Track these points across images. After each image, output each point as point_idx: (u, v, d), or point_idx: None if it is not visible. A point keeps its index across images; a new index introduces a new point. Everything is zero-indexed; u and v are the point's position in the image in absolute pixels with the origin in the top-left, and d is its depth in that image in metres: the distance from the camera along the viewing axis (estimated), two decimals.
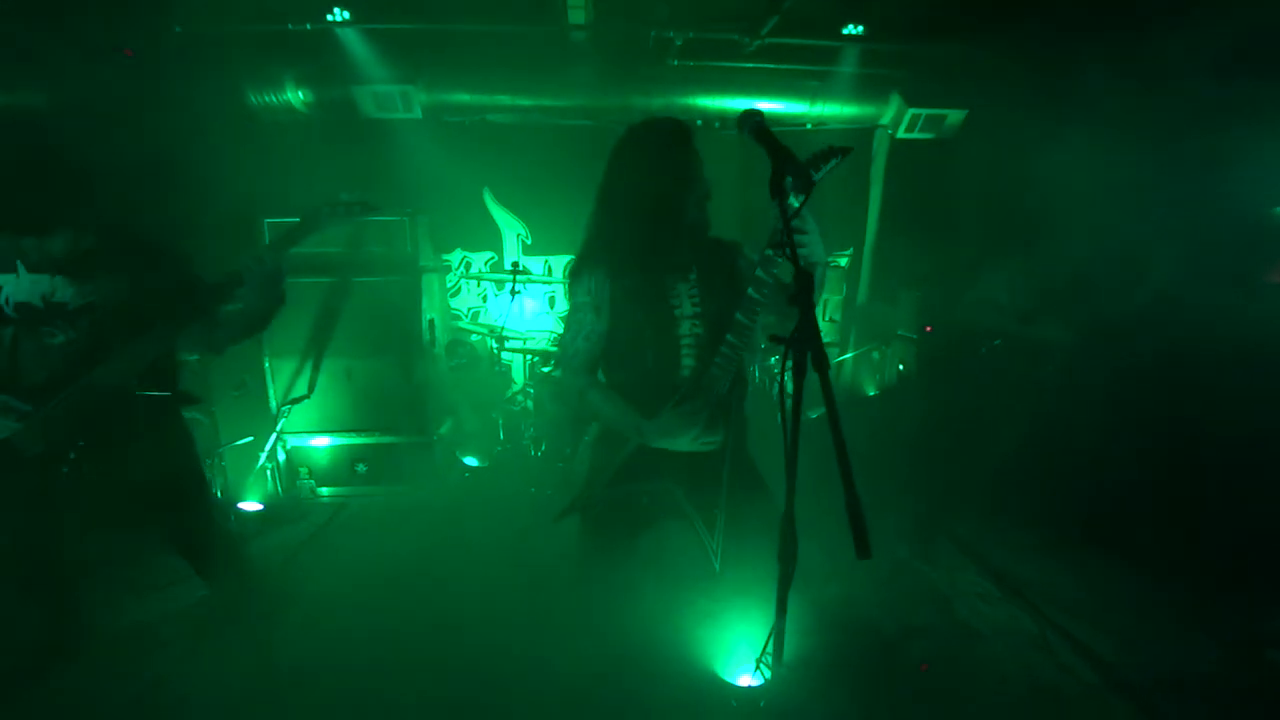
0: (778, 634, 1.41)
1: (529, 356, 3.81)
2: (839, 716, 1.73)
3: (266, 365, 3.45)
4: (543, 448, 3.41)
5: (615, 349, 1.68)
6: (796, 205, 1.37)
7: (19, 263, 1.71)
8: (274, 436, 3.38)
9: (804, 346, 1.17)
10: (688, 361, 1.63)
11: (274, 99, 3.85)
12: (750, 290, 1.48)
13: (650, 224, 1.60)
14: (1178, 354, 2.74)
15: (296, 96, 3.86)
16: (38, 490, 1.76)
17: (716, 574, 1.57)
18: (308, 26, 3.52)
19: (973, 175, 4.00)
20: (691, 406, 1.58)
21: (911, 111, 4.07)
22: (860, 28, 3.72)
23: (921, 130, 4.15)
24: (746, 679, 1.51)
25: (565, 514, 1.71)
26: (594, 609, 1.72)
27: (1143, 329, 2.93)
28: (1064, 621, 2.36)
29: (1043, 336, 3.24)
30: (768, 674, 1.47)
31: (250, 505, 3.30)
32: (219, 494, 3.19)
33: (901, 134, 4.16)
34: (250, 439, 3.34)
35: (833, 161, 1.42)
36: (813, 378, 1.16)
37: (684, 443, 1.60)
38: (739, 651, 1.53)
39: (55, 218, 1.75)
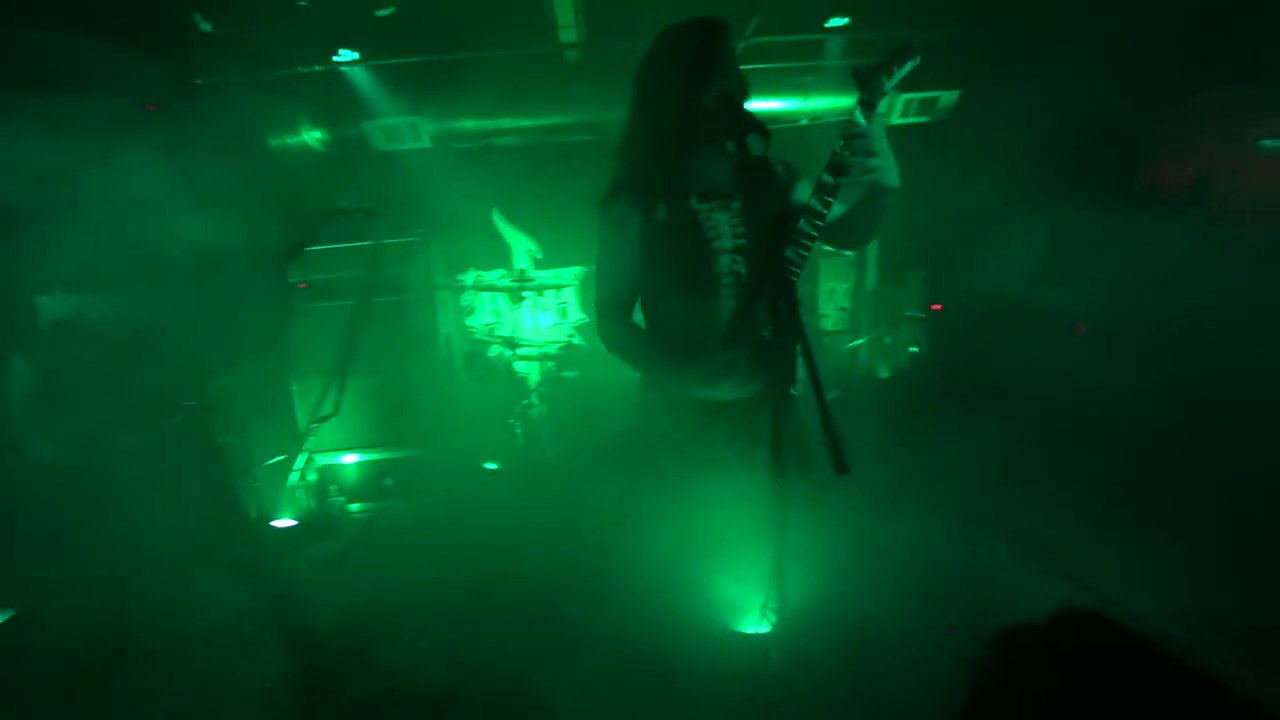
0: (779, 581, 1.44)
1: (545, 363, 3.90)
2: (848, 669, 1.71)
3: (294, 387, 3.59)
4: (561, 448, 3.48)
5: (649, 288, 1.53)
6: (860, 124, 1.26)
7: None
8: (303, 455, 3.50)
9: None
10: (728, 302, 1.46)
11: (291, 140, 4.09)
12: (802, 222, 1.31)
13: (688, 139, 1.43)
14: (1195, 315, 2.71)
15: (312, 136, 4.09)
16: None
17: (757, 532, 1.43)
18: (317, 69, 3.75)
19: (970, 153, 4.01)
20: (732, 353, 1.42)
21: (904, 97, 4.12)
22: (845, 19, 3.80)
23: (916, 114, 4.19)
24: (755, 628, 1.52)
25: (603, 456, 1.64)
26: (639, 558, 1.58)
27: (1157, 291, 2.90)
28: (1097, 584, 2.30)
29: (1051, 301, 3.22)
30: (772, 621, 1.48)
31: (284, 523, 3.42)
32: (254, 513, 3.32)
33: (896, 120, 4.21)
34: (282, 458, 3.47)
35: (909, 64, 1.24)
36: None
37: (723, 390, 1.46)
38: (751, 602, 1.54)
39: None
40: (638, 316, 1.62)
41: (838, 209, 1.40)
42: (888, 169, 1.32)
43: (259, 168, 3.83)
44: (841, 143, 1.30)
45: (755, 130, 1.39)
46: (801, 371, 1.37)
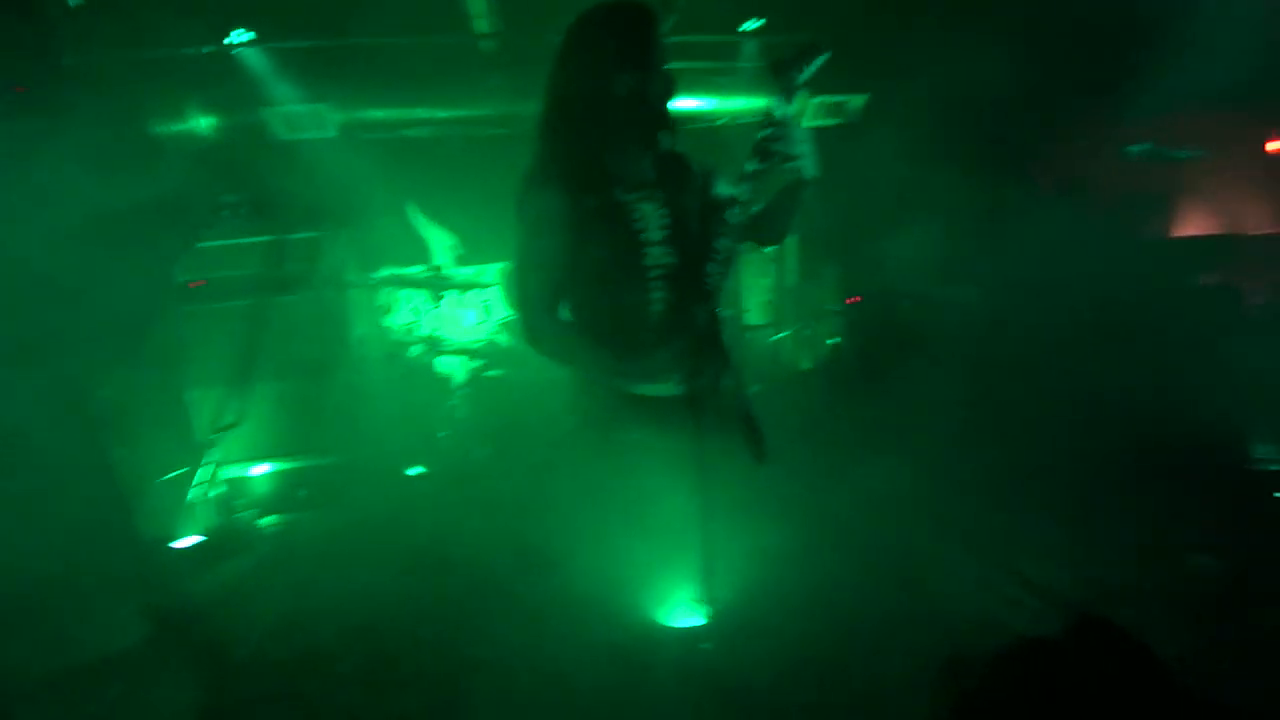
0: (710, 571, 1.47)
1: (468, 360, 3.81)
2: (788, 658, 1.77)
3: (190, 395, 3.33)
4: (487, 450, 3.41)
5: (576, 283, 1.47)
6: (779, 116, 1.29)
7: None
8: (205, 467, 3.26)
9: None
10: (658, 294, 1.44)
11: (178, 127, 3.76)
12: (728, 213, 1.33)
13: (611, 129, 1.40)
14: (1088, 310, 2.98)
15: (200, 123, 3.78)
16: None
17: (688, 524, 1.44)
18: (204, 50, 3.46)
19: (878, 155, 4.24)
20: (670, 348, 1.39)
21: (815, 100, 4.29)
22: (760, 21, 3.91)
23: (827, 116, 4.38)
24: (685, 619, 1.54)
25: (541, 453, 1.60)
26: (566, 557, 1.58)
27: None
28: (1009, 561, 2.40)
29: (954, 298, 3.47)
30: (707, 613, 1.51)
31: (187, 541, 3.17)
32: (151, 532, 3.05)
33: (809, 121, 4.38)
34: (181, 471, 3.21)
35: (819, 59, 1.29)
36: None
37: (667, 386, 1.43)
38: (683, 594, 1.56)
39: None
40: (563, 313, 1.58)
41: (757, 203, 1.43)
42: (808, 157, 1.35)
43: (142, 158, 3.51)
44: (765, 131, 1.32)
45: (666, 124, 1.42)
46: (729, 364, 1.41)
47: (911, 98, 3.83)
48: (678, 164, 1.51)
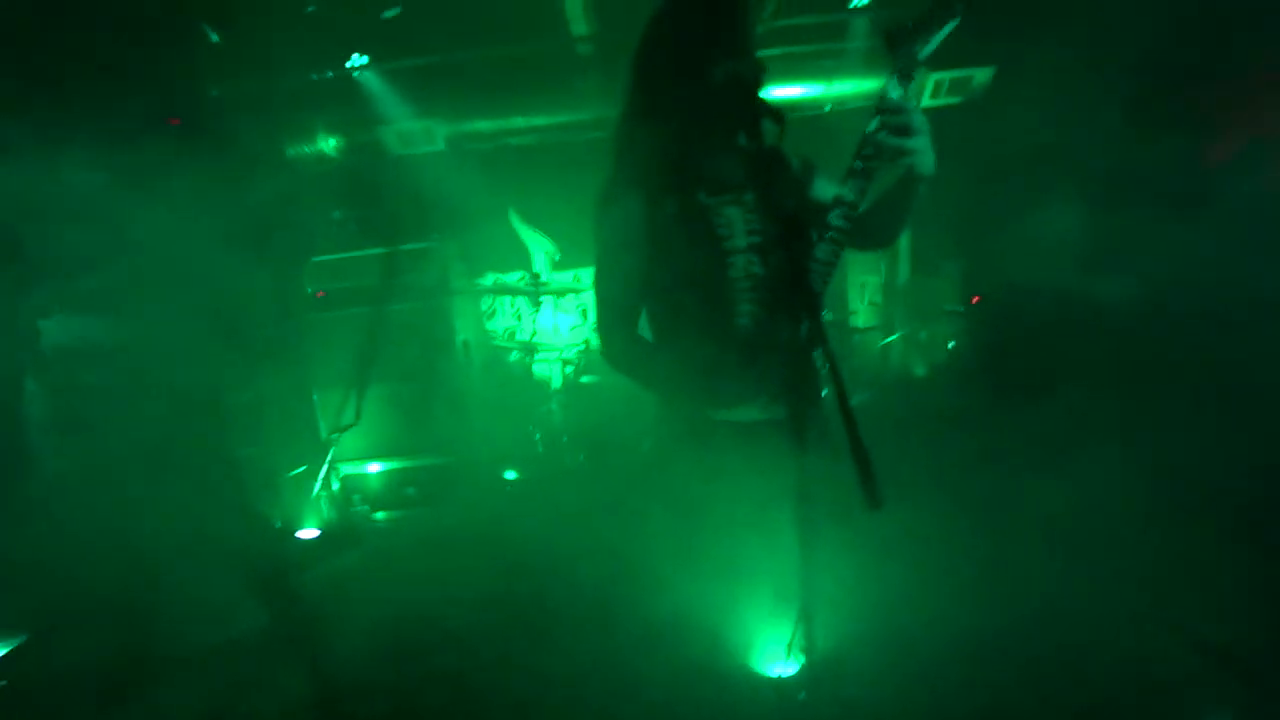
0: (805, 617, 1.31)
1: (565, 367, 3.83)
2: (883, 708, 1.57)
3: (315, 397, 3.59)
4: (580, 457, 3.39)
5: (655, 297, 1.35)
6: (894, 99, 1.12)
7: None
8: (326, 465, 3.50)
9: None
10: (745, 308, 1.29)
11: (308, 149, 4.08)
12: (833, 215, 1.16)
13: (695, 124, 1.26)
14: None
15: (328, 144, 4.07)
16: None
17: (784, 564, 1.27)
18: (330, 75, 3.72)
19: (1008, 134, 3.77)
20: (757, 368, 1.24)
21: (935, 77, 3.89)
22: None
23: (948, 94, 3.96)
24: (780, 668, 1.40)
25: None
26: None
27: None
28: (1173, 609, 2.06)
29: (1107, 291, 2.99)
30: (800, 661, 1.36)
31: (308, 533, 3.41)
32: (278, 524, 3.32)
33: (927, 101, 3.98)
34: (304, 468, 3.47)
35: (949, 24, 1.11)
36: None
37: (750, 411, 1.28)
38: (774, 641, 1.42)
39: None
40: (644, 329, 1.45)
41: (864, 202, 1.23)
42: (924, 152, 1.14)
43: (277, 179, 3.83)
44: (875, 121, 1.14)
45: (769, 117, 1.22)
46: (827, 385, 1.22)
47: (1048, 65, 3.36)
48: (773, 162, 1.34)
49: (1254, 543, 2.12)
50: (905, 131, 1.13)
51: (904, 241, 4.38)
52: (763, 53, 1.32)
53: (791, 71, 3.95)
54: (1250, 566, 2.07)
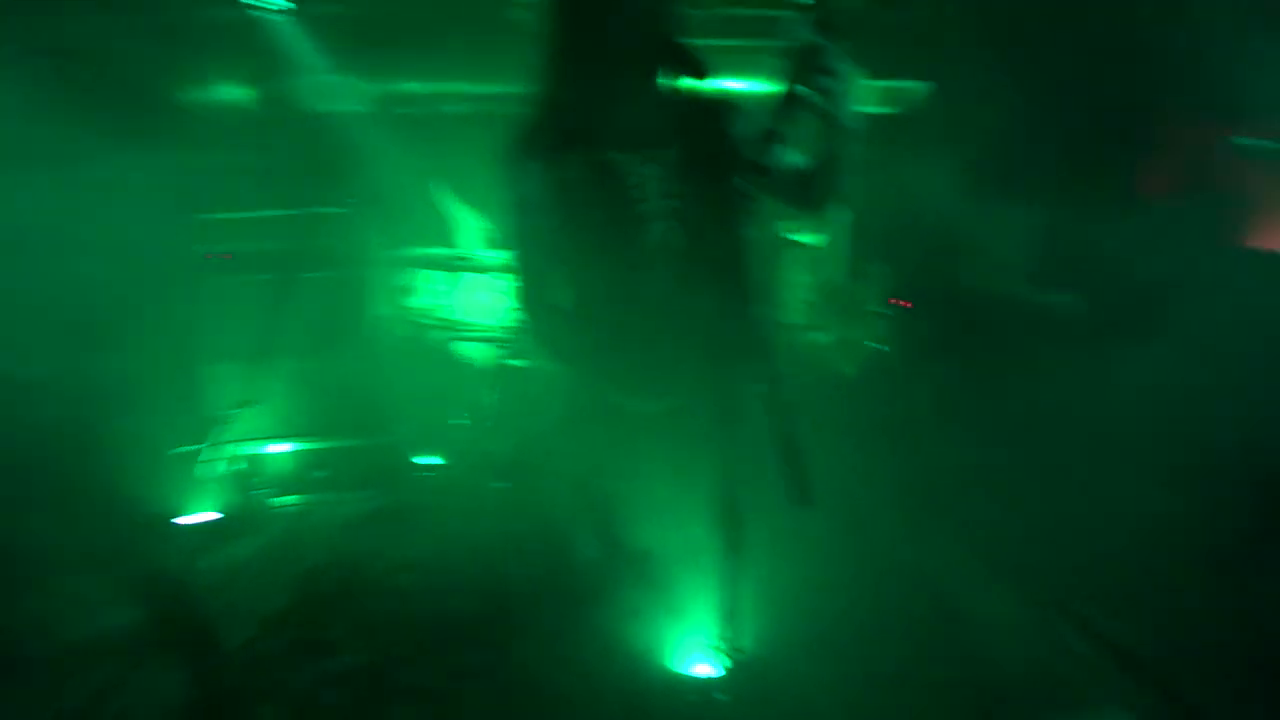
0: (731, 614, 1.28)
1: (493, 348, 3.68)
2: (809, 706, 1.58)
3: (206, 370, 3.28)
4: (505, 445, 3.28)
5: (568, 264, 1.24)
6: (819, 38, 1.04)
7: None
8: (217, 443, 3.21)
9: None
10: (661, 282, 1.18)
11: (200, 96, 3.69)
12: (759, 151, 1.09)
13: (605, 72, 1.12)
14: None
15: (227, 92, 3.71)
16: None
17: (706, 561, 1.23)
18: (239, 12, 3.36)
19: (942, 145, 3.91)
20: (665, 352, 1.16)
21: (870, 84, 3.98)
22: None
23: (884, 104, 4.06)
24: (702, 668, 1.36)
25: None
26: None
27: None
28: (1068, 601, 2.16)
29: (1051, 302, 3.14)
30: (727, 662, 1.32)
31: (197, 517, 3.12)
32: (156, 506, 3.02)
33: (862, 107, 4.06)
34: (192, 447, 3.17)
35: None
36: None
37: (654, 402, 1.21)
38: (694, 639, 1.39)
39: None
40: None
41: (792, 155, 1.17)
42: (844, 95, 1.08)
43: (163, 124, 3.44)
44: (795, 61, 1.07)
45: (688, 63, 1.15)
46: (757, 373, 1.16)
47: (981, 83, 3.50)
48: (698, 112, 1.22)
49: (1171, 547, 2.24)
50: (825, 71, 1.07)
51: (842, 242, 4.48)
52: (709, 42, 1.24)
53: (740, 66, 3.92)
54: (1167, 571, 2.19)
